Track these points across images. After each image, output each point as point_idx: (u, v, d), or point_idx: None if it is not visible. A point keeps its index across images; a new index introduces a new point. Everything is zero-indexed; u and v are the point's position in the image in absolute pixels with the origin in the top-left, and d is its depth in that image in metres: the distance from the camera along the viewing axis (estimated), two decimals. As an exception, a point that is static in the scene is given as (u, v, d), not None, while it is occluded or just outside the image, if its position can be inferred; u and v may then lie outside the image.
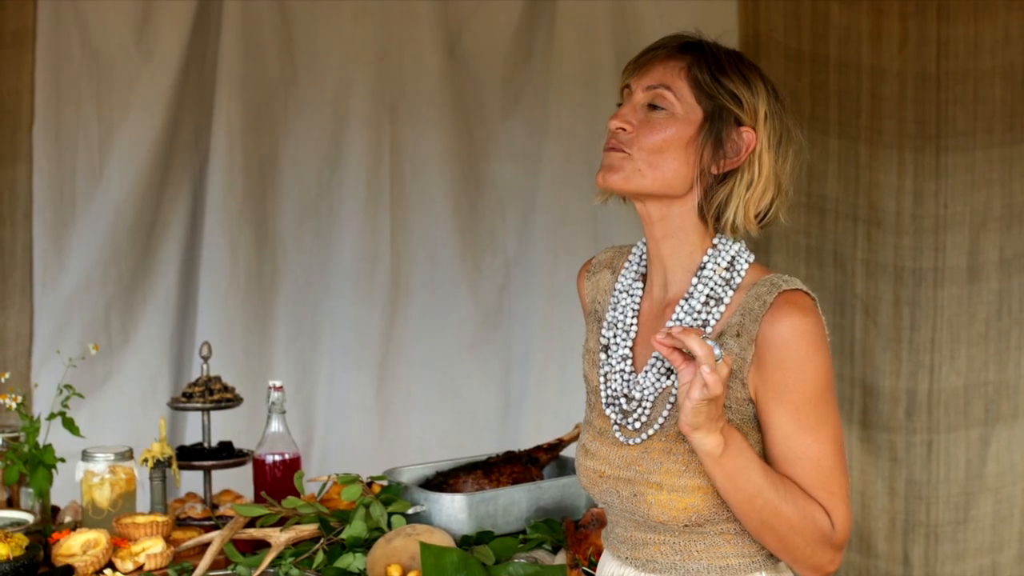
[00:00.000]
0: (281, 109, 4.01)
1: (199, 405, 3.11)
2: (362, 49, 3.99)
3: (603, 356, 1.96)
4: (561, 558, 2.58)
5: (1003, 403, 3.95)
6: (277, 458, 3.01)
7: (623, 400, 1.91)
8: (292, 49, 3.99)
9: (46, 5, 3.80)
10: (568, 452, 2.97)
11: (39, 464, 2.88)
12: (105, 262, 3.88)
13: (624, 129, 1.86)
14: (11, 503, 2.97)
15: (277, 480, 3.00)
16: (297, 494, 2.88)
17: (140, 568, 2.63)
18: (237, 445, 3.20)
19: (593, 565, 2.51)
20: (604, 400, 1.93)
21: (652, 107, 1.86)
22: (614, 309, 1.97)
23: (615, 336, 1.95)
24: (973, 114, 3.91)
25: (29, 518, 2.83)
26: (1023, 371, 3.95)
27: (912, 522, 3.95)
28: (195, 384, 3.14)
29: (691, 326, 1.84)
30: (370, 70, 3.99)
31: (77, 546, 2.64)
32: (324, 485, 2.84)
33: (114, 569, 2.61)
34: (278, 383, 3.05)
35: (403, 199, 4.04)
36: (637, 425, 1.88)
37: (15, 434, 2.99)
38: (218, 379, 3.16)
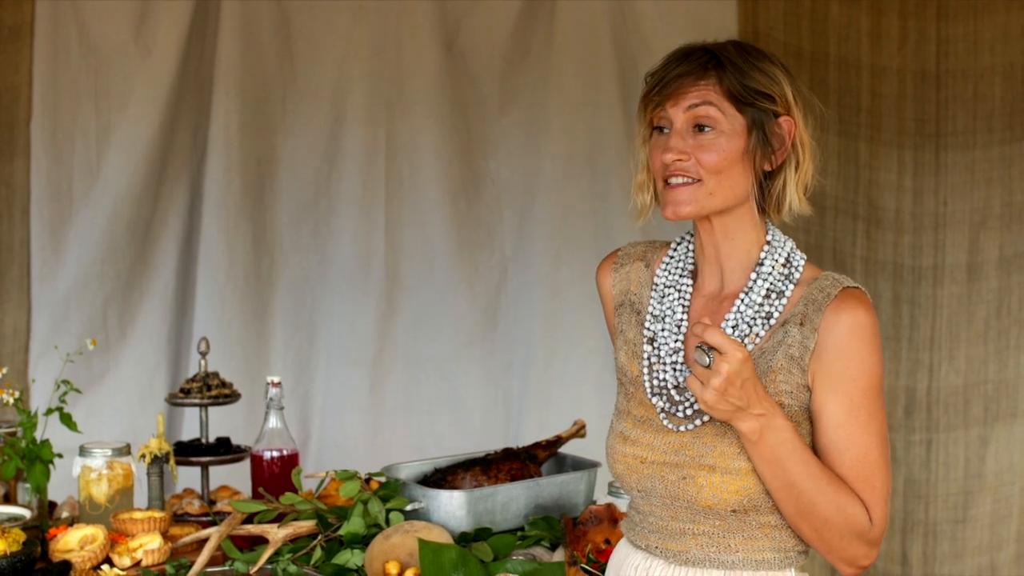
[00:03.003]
0: (279, 106, 4.00)
1: (197, 401, 3.10)
2: (360, 46, 3.98)
3: (648, 348, 1.98)
4: (559, 555, 2.57)
5: (1002, 402, 3.94)
6: (275, 454, 3.01)
7: (672, 390, 1.93)
8: (290, 46, 3.98)
9: (44, 1, 3.79)
10: (567, 449, 2.96)
11: (36, 459, 2.87)
12: (103, 258, 3.87)
13: (681, 159, 1.88)
14: (8, 498, 2.96)
15: (275, 476, 2.99)
16: (295, 490, 2.87)
17: (137, 564, 2.62)
18: (235, 441, 3.19)
19: (592, 562, 2.50)
20: (649, 389, 1.95)
21: (697, 128, 1.87)
22: (660, 303, 1.99)
23: (663, 329, 1.97)
24: (973, 112, 3.91)
25: (26, 513, 2.83)
26: (1022, 370, 3.95)
27: (911, 521, 3.95)
28: (193, 380, 3.13)
29: (753, 318, 1.90)
30: (368, 67, 3.98)
31: (74, 541, 2.63)
32: (322, 481, 2.83)
33: (111, 565, 2.61)
34: (276, 379, 3.04)
35: (400, 196, 4.03)
36: (688, 412, 1.91)
37: (12, 429, 2.98)
38: (216, 375, 3.15)
